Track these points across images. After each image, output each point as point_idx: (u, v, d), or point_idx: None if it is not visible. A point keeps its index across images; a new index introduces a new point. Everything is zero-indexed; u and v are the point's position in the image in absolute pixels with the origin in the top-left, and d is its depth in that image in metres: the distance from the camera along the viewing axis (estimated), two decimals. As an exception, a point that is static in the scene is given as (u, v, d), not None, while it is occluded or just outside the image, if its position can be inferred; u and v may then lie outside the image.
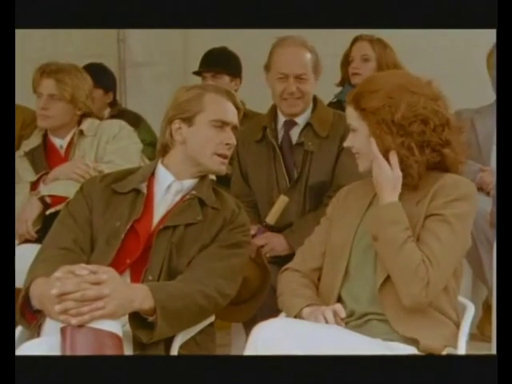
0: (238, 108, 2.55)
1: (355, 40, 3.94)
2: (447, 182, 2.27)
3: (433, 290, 2.16)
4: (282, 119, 3.22)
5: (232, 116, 2.52)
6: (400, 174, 2.25)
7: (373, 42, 3.90)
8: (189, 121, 2.49)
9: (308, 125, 3.17)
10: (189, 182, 2.51)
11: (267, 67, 3.19)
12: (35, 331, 2.24)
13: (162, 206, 2.47)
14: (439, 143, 2.27)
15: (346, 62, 3.96)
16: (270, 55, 3.18)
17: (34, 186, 3.19)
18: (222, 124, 2.49)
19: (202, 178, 2.53)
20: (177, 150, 2.52)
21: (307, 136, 3.15)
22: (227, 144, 2.50)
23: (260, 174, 3.22)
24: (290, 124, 3.20)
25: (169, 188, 2.49)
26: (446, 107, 2.32)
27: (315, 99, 3.22)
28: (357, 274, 2.29)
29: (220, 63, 3.98)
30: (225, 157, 2.51)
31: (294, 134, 3.19)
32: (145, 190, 2.49)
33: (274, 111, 3.25)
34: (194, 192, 2.48)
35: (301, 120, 3.19)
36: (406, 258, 2.16)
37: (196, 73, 4.01)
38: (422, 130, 2.26)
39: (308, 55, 3.12)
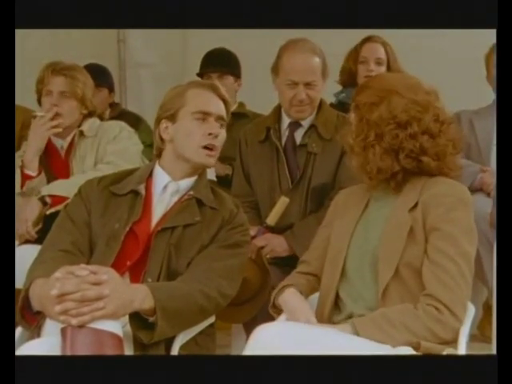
0: (224, 100, 2.53)
1: (367, 40, 3.91)
2: (438, 191, 2.24)
3: (461, 312, 2.14)
4: (286, 121, 3.22)
5: (215, 107, 2.50)
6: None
7: (385, 45, 3.90)
8: (173, 118, 2.50)
9: (312, 126, 3.17)
10: (185, 183, 2.51)
11: (275, 71, 3.17)
12: (35, 332, 2.24)
13: (159, 207, 2.47)
14: (413, 150, 2.25)
15: (355, 60, 3.92)
16: (278, 58, 3.16)
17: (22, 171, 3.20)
18: (204, 115, 2.48)
19: (200, 177, 2.53)
20: (167, 149, 2.53)
21: (311, 138, 3.15)
22: (210, 134, 2.47)
23: (262, 175, 3.21)
24: (295, 126, 3.20)
25: (165, 188, 2.50)
26: (437, 117, 2.29)
27: (320, 101, 3.21)
28: (355, 277, 2.29)
29: (225, 63, 4.00)
30: (211, 148, 2.48)
31: (298, 135, 3.20)
32: (143, 192, 2.49)
33: (277, 112, 3.25)
34: (191, 192, 2.48)
35: (305, 122, 3.19)
36: (422, 328, 2.10)
37: (200, 74, 4.02)
38: (396, 133, 2.25)
39: (317, 61, 3.11)
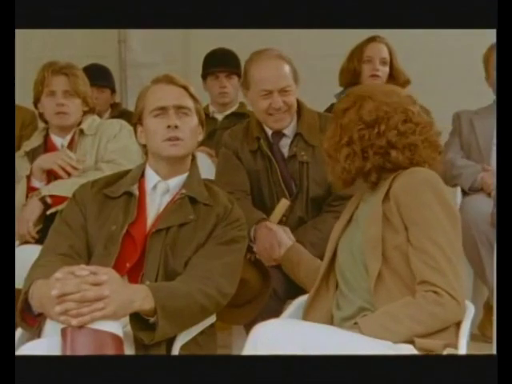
0: (184, 86, 2.52)
1: (371, 40, 3.91)
2: (404, 178, 2.25)
3: (459, 295, 2.15)
4: (268, 131, 3.09)
5: (171, 98, 2.49)
6: None
7: (388, 46, 3.90)
8: (140, 121, 2.54)
9: (297, 135, 3.05)
10: (175, 181, 2.51)
11: (245, 85, 3.07)
12: (36, 334, 2.24)
13: (151, 208, 2.48)
14: (381, 146, 2.28)
15: (360, 59, 3.90)
16: (246, 72, 3.06)
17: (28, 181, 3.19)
18: (161, 110, 2.48)
19: (190, 174, 2.53)
20: (148, 151, 2.55)
21: (298, 147, 3.03)
22: (169, 126, 2.46)
23: (258, 186, 3.10)
24: (279, 136, 3.08)
25: (155, 188, 2.50)
26: (408, 119, 2.30)
27: (298, 103, 3.08)
28: (349, 277, 2.31)
29: (232, 63, 4.01)
30: (175, 139, 2.47)
31: (284, 145, 3.08)
32: (136, 192, 2.49)
33: (260, 123, 3.11)
34: (183, 191, 2.48)
35: (289, 131, 3.07)
36: (426, 319, 2.13)
37: (205, 74, 4.02)
38: (363, 134, 2.29)
39: (287, 66, 3.00)
